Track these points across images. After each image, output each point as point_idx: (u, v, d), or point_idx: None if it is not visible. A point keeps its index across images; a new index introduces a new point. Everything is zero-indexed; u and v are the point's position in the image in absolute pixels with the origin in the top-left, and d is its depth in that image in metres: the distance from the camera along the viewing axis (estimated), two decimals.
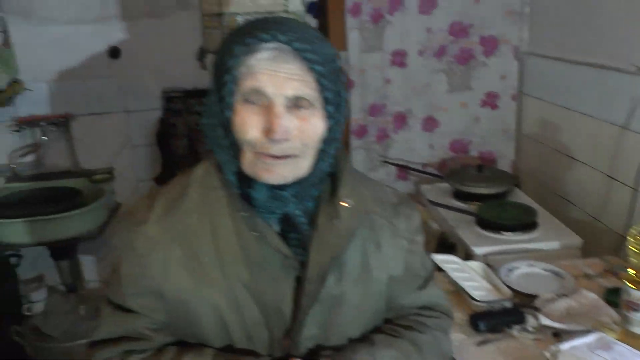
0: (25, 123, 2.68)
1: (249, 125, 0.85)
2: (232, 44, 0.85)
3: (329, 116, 0.89)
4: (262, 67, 0.83)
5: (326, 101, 0.88)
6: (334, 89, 0.88)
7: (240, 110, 0.86)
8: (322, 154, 0.91)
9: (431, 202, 2.32)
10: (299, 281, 0.94)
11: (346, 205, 0.95)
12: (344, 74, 0.93)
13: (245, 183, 0.91)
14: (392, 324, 1.06)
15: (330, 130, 0.90)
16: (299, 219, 0.92)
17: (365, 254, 0.99)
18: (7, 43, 2.58)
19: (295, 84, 0.84)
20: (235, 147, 0.89)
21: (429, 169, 2.72)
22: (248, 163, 0.88)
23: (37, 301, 2.61)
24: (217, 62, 0.89)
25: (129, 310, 0.96)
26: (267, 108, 0.85)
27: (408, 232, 1.04)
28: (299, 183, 0.91)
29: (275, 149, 0.85)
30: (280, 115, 0.84)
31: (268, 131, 0.84)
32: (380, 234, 1.01)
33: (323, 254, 0.93)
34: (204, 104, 0.94)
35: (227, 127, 0.88)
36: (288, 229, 0.93)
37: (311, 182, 0.93)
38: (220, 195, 0.93)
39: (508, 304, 1.56)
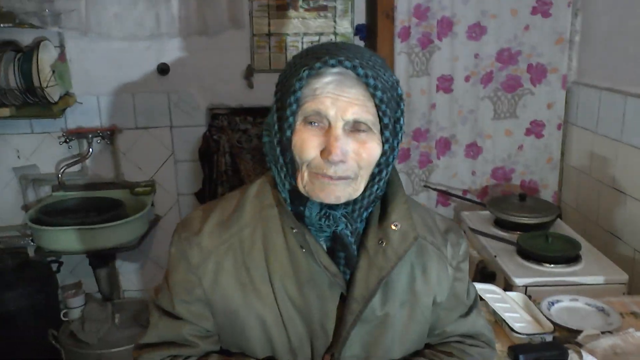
0: (74, 134, 2.76)
1: (308, 145, 0.89)
2: (299, 66, 0.89)
3: (385, 141, 0.91)
4: (326, 90, 0.87)
5: (384, 127, 0.90)
6: (393, 115, 0.91)
7: (301, 131, 0.90)
8: (375, 177, 0.94)
9: (472, 229, 2.28)
10: (344, 300, 0.95)
11: (395, 229, 0.96)
12: (403, 101, 0.95)
13: (298, 201, 0.93)
14: (433, 349, 1.07)
15: (385, 155, 0.92)
16: (348, 238, 0.94)
17: (412, 278, 1.00)
18: (63, 57, 2.67)
19: (355, 108, 0.88)
20: (291, 166, 0.92)
21: (470, 196, 2.68)
22: (304, 182, 0.91)
23: (75, 307, 2.65)
24: (281, 82, 0.93)
25: (177, 317, 0.99)
26: (327, 130, 0.89)
27: (455, 260, 1.06)
28: (350, 204, 0.93)
29: (332, 170, 0.88)
30: (339, 138, 0.87)
31: (326, 152, 0.87)
32: (428, 259, 1.02)
33: (370, 275, 0.94)
34: (265, 123, 0.97)
35: (285, 146, 0.91)
36: (337, 247, 0.95)
37: (363, 204, 0.95)
38: (273, 212, 0.96)
39: (549, 338, 1.51)
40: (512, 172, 2.69)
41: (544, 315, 1.61)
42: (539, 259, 2.01)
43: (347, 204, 0.93)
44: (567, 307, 1.70)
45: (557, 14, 2.48)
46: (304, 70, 0.87)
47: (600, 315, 1.65)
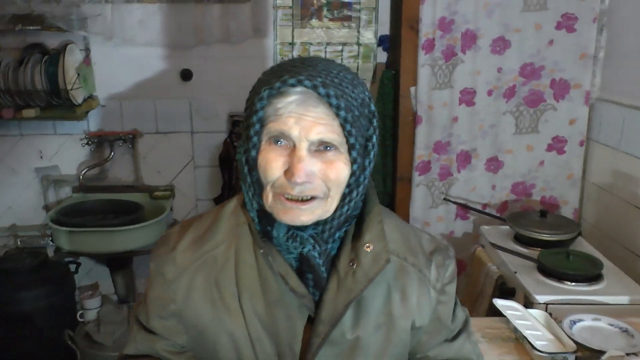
0: (96, 137, 2.79)
1: (272, 165, 0.87)
2: (261, 85, 0.88)
3: (353, 161, 0.89)
4: (288, 110, 0.85)
5: (351, 147, 0.87)
6: (363, 134, 0.88)
7: (266, 150, 0.88)
8: (345, 197, 0.91)
9: (492, 244, 2.26)
10: (313, 322, 0.93)
11: (368, 250, 0.93)
12: (376, 117, 0.92)
13: (266, 221, 0.92)
14: None
15: (355, 175, 0.90)
16: (316, 260, 0.91)
17: (389, 301, 0.97)
18: (88, 61, 2.71)
19: (320, 128, 0.85)
20: (258, 185, 0.91)
21: (489, 210, 2.66)
22: (269, 202, 0.90)
23: (91, 309, 2.67)
24: (247, 102, 0.92)
25: (152, 332, 1.00)
26: (292, 150, 0.86)
27: (439, 282, 1.02)
28: (320, 224, 0.91)
29: (296, 191, 0.86)
30: (302, 159, 0.85)
31: (289, 173, 0.86)
32: (407, 281, 0.98)
33: (338, 297, 0.92)
34: (239, 141, 0.97)
35: (251, 165, 0.90)
36: (305, 269, 0.92)
37: (333, 224, 0.92)
38: (245, 231, 0.95)
39: (571, 358, 1.50)
40: (532, 187, 2.67)
41: (565, 334, 1.59)
42: (560, 277, 1.99)
43: (317, 224, 0.91)
44: (589, 327, 1.68)
45: (582, 30, 2.47)
46: (264, 90, 0.85)
47: (623, 336, 1.63)
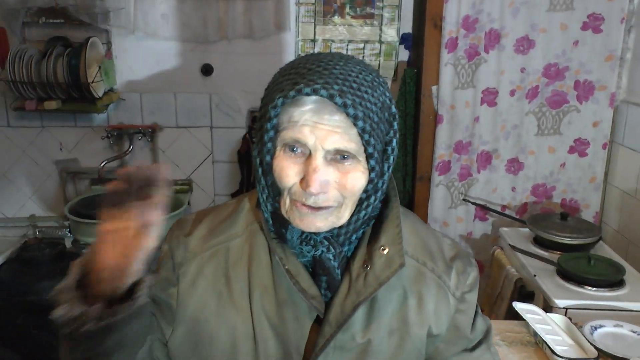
0: (115, 130, 2.80)
1: (287, 173, 0.84)
2: (275, 93, 0.83)
3: (372, 169, 0.86)
4: (304, 119, 0.81)
5: (369, 156, 0.84)
6: (382, 139, 0.85)
7: (281, 157, 0.85)
8: (363, 202, 0.89)
9: (511, 246, 2.23)
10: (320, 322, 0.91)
11: (383, 253, 0.91)
12: (397, 119, 0.89)
13: (280, 223, 0.90)
14: None
15: (372, 182, 0.87)
16: (330, 262, 0.89)
17: (404, 306, 0.94)
18: (109, 54, 2.72)
19: (336, 137, 0.81)
20: (273, 189, 0.89)
21: (509, 212, 2.63)
22: (286, 207, 0.88)
23: None
24: (261, 106, 0.89)
25: None
26: (307, 158, 0.83)
27: (459, 290, 0.97)
28: (335, 228, 0.89)
29: (311, 201, 0.84)
30: (318, 170, 0.82)
31: (304, 184, 0.83)
32: (425, 287, 0.95)
33: (347, 300, 0.90)
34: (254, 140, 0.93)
35: (265, 170, 0.88)
36: (318, 271, 0.91)
37: (349, 229, 0.90)
38: (261, 228, 0.94)
39: None
40: (553, 189, 2.64)
41: (587, 339, 1.57)
42: (581, 281, 1.96)
43: (332, 228, 0.89)
44: (611, 333, 1.65)
45: (609, 30, 2.43)
46: (278, 98, 0.81)
47: None
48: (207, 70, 2.79)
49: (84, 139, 2.86)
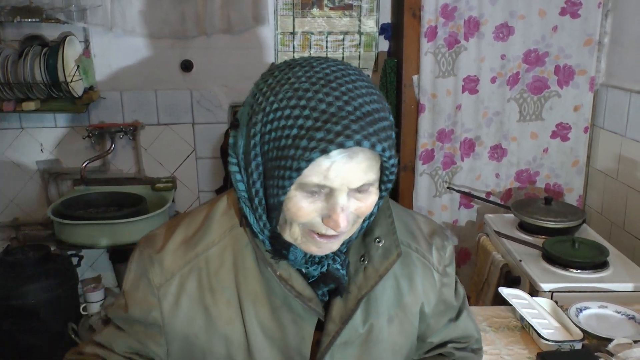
0: (97, 129, 2.77)
1: (305, 212, 0.79)
2: (299, 140, 0.74)
3: (384, 189, 0.85)
4: (334, 167, 0.75)
5: (388, 180, 0.83)
6: (394, 163, 0.82)
7: (298, 198, 0.79)
8: (371, 215, 0.90)
9: (496, 232, 2.25)
10: (320, 321, 0.90)
11: (379, 245, 0.91)
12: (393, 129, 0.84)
13: (279, 244, 0.86)
14: None
15: (381, 197, 0.86)
16: (339, 272, 0.88)
17: (398, 292, 0.95)
18: (87, 53, 2.69)
19: (361, 175, 0.78)
20: (275, 216, 0.82)
21: (494, 198, 2.65)
22: (295, 236, 0.84)
23: (94, 302, 2.66)
24: (276, 140, 0.77)
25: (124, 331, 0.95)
26: (327, 194, 0.79)
27: (441, 264, 1.00)
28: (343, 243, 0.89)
29: (332, 232, 0.81)
30: (345, 209, 0.79)
31: (332, 223, 0.79)
32: (413, 268, 0.97)
33: (351, 295, 0.89)
34: (230, 145, 0.87)
35: (272, 206, 0.81)
36: (327, 282, 0.89)
37: (352, 238, 0.90)
38: (242, 233, 0.89)
39: (578, 346, 1.48)
40: (537, 175, 2.65)
41: (572, 322, 1.58)
42: (566, 264, 1.97)
43: None
44: (596, 314, 1.67)
45: (587, 15, 2.44)
46: (313, 151, 0.73)
47: (631, 324, 1.62)
48: (186, 66, 2.77)
49: (64, 139, 2.83)
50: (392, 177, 0.83)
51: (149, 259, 0.91)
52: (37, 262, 2.57)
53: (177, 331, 0.91)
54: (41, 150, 2.83)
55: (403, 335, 0.97)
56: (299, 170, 0.75)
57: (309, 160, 0.73)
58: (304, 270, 0.88)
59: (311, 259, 0.87)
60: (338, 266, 0.88)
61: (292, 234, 0.83)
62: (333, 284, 0.89)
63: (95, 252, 2.92)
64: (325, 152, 0.73)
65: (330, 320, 0.89)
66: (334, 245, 0.85)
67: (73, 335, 2.57)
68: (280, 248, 0.86)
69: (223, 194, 0.97)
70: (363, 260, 0.90)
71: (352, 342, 0.92)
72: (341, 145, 0.73)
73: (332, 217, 0.78)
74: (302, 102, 0.75)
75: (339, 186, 0.77)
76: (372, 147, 0.75)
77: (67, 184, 2.88)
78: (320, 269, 0.88)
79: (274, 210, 0.81)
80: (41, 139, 2.81)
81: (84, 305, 2.68)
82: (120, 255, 2.80)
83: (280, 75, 0.80)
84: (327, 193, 0.78)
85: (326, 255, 0.87)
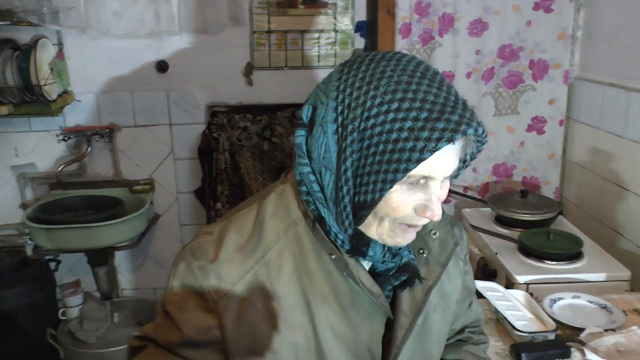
0: (72, 133, 2.75)
1: (407, 205, 0.80)
2: (429, 132, 0.74)
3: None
4: (439, 159, 0.77)
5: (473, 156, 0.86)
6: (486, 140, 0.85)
7: (401, 192, 0.79)
8: None
9: (473, 226, 2.26)
10: (387, 318, 0.91)
11: (435, 237, 0.94)
12: None
13: (358, 242, 0.85)
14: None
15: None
16: (414, 262, 0.91)
17: (440, 281, 0.97)
18: (61, 55, 2.66)
19: (454, 162, 0.80)
20: (364, 209, 0.80)
21: (471, 193, 2.66)
22: (382, 231, 0.83)
23: (73, 306, 2.65)
24: (384, 134, 0.76)
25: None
26: (422, 186, 0.80)
27: (463, 253, 1.05)
28: None
29: (423, 221, 0.83)
30: (441, 197, 0.81)
31: (428, 213, 0.80)
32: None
33: (417, 287, 0.91)
34: (296, 145, 0.85)
35: (364, 204, 0.79)
36: (406, 273, 0.91)
37: None
38: (300, 230, 0.87)
39: (552, 337, 1.49)
40: (514, 168, 2.67)
41: (546, 313, 1.59)
42: (541, 256, 1.99)
43: None
44: (569, 305, 1.68)
45: (560, 10, 2.46)
46: (440, 142, 0.73)
47: (603, 313, 1.64)
48: (162, 67, 2.75)
49: (40, 143, 2.80)
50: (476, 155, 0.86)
51: (202, 271, 0.84)
52: (14, 267, 2.54)
53: (241, 344, 0.85)
54: (16, 154, 2.79)
55: (444, 324, 1.00)
56: (419, 162, 0.74)
57: (434, 150, 0.73)
58: (379, 265, 0.88)
59: (389, 252, 0.88)
60: (413, 256, 0.91)
61: (379, 230, 0.83)
62: (405, 275, 0.89)
63: (74, 256, 2.89)
64: (451, 141, 0.73)
65: (402, 313, 0.90)
66: (414, 235, 0.86)
67: (51, 341, 2.55)
68: (360, 245, 0.85)
69: (263, 194, 0.92)
70: (422, 252, 0.93)
71: (415, 334, 0.93)
72: (464, 133, 0.74)
73: (429, 207, 0.79)
74: (409, 95, 0.75)
75: (439, 176, 0.79)
76: (475, 131, 0.76)
77: (43, 188, 2.85)
78: (400, 261, 0.89)
79: (364, 208, 0.79)
80: (16, 144, 2.78)
81: (62, 309, 2.66)
82: (99, 258, 2.77)
83: (371, 70, 0.78)
84: (423, 184, 0.79)
85: (399, 248, 0.88)
